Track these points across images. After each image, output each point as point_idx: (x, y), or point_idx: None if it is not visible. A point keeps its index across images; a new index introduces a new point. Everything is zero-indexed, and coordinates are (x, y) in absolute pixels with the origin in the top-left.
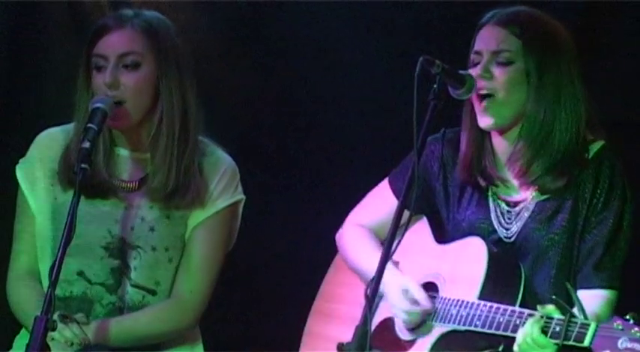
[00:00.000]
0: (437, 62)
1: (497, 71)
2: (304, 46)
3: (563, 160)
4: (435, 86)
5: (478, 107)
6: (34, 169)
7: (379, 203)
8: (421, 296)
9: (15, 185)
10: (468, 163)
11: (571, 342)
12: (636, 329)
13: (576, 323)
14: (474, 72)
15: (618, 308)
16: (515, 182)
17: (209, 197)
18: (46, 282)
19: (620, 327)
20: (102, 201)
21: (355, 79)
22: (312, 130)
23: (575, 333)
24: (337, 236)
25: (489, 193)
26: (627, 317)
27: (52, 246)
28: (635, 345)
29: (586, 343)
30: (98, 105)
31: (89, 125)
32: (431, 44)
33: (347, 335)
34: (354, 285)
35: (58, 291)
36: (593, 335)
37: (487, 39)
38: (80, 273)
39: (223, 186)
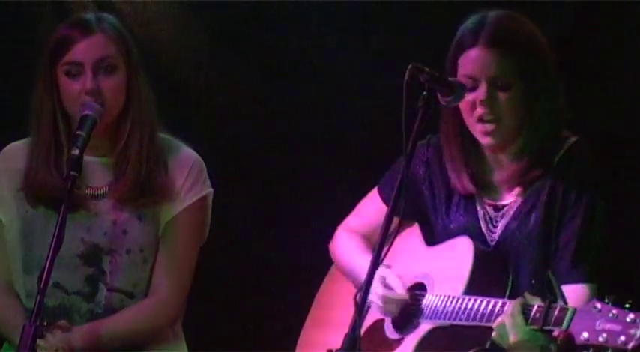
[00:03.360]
0: (426, 70)
1: (500, 97)
2: (296, 48)
3: (541, 152)
4: (424, 93)
5: (480, 128)
6: (1, 184)
7: (369, 210)
8: (397, 283)
9: None
10: (458, 169)
11: (550, 326)
12: (614, 311)
13: (555, 307)
14: (471, 96)
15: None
16: (503, 186)
17: (178, 193)
18: (21, 294)
19: (598, 309)
20: (70, 209)
21: (349, 82)
22: (305, 134)
23: (554, 317)
24: (330, 243)
25: (477, 198)
26: (605, 299)
27: (24, 260)
28: (612, 326)
29: (564, 326)
30: (88, 112)
31: (78, 132)
32: (431, 46)
33: (340, 341)
34: (348, 292)
35: (34, 304)
36: (571, 318)
37: (481, 64)
38: (56, 284)
39: (192, 181)
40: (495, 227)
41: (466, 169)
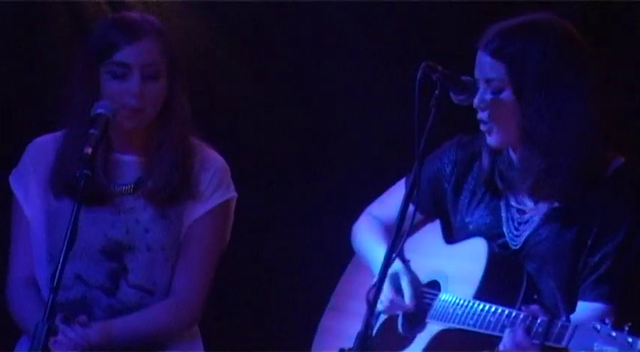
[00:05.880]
0: (438, 68)
1: (490, 100)
2: (306, 48)
3: (576, 180)
4: (436, 92)
5: (482, 128)
6: (27, 177)
7: (392, 199)
8: (408, 290)
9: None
10: (489, 164)
11: (551, 343)
12: (612, 332)
13: (557, 324)
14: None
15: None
16: (528, 194)
17: (202, 195)
18: (44, 288)
19: (598, 329)
20: (97, 205)
21: (358, 80)
22: (316, 131)
23: (555, 334)
24: (353, 228)
25: (502, 198)
26: (606, 320)
27: (48, 253)
28: (609, 348)
29: (564, 344)
30: (101, 111)
31: (92, 131)
32: (437, 45)
33: (357, 330)
34: (368, 282)
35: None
36: (572, 337)
37: (479, 67)
38: (78, 277)
39: (216, 184)
40: (518, 231)
41: (494, 163)
